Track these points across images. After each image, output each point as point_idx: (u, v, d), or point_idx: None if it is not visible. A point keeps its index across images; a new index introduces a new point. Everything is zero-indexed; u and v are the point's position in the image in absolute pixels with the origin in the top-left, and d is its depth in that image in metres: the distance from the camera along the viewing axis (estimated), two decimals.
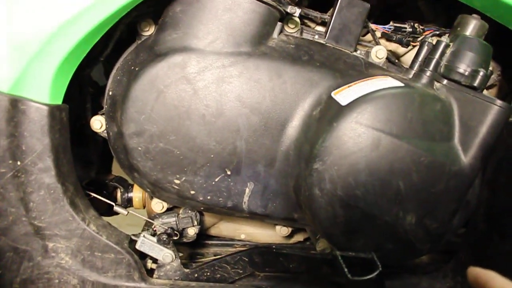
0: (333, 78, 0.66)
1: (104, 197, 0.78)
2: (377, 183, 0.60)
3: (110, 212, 0.85)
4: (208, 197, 0.68)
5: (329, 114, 0.62)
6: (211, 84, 0.63)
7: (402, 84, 0.62)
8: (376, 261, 0.55)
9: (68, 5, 0.57)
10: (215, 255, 0.89)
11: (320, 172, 0.60)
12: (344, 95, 0.63)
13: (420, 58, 0.68)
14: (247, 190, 0.68)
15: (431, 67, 0.64)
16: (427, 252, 0.66)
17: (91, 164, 0.89)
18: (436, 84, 0.64)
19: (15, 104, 0.59)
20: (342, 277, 0.55)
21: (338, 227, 0.62)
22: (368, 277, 0.55)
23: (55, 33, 0.58)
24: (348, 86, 0.64)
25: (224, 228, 0.90)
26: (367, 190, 0.60)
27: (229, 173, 0.67)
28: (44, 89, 0.61)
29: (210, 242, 0.93)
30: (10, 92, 0.59)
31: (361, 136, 0.59)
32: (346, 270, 0.55)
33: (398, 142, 0.59)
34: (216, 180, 0.67)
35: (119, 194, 0.84)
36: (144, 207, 0.85)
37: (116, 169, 1.06)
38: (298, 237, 0.92)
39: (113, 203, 0.77)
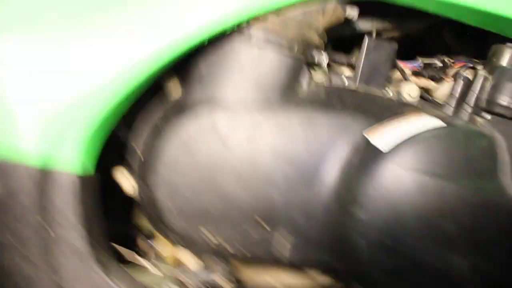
0: (368, 122, 0.64)
1: (132, 251, 0.76)
2: (425, 229, 0.57)
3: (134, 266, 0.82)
4: (248, 254, 0.65)
5: (369, 160, 0.59)
6: (243, 139, 0.62)
7: (444, 124, 0.59)
8: None
9: (96, 75, 0.57)
10: None
11: (364, 221, 0.57)
12: (381, 138, 0.60)
13: (457, 93, 0.66)
14: (287, 243, 0.65)
15: (471, 103, 0.62)
16: None
17: (115, 216, 0.88)
18: (479, 120, 0.62)
19: (47, 176, 0.59)
20: None
21: (386, 276, 0.59)
22: None
23: (83, 103, 0.58)
24: (383, 127, 0.62)
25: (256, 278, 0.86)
26: (415, 237, 0.56)
27: (267, 227, 0.64)
28: (75, 159, 0.61)
29: None
30: (41, 164, 0.58)
31: (405, 180, 0.56)
32: None
33: (445, 184, 0.56)
34: (255, 236, 0.64)
35: (146, 247, 0.82)
36: (174, 261, 0.83)
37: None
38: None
39: (147, 265, 0.74)
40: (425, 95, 0.74)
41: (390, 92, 0.71)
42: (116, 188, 0.77)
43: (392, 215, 0.57)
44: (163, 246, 0.81)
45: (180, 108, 0.65)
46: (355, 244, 0.58)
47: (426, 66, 0.76)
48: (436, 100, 0.75)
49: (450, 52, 0.81)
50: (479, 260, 0.59)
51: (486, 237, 0.57)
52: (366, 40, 0.68)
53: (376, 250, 0.57)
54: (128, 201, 0.86)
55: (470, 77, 0.65)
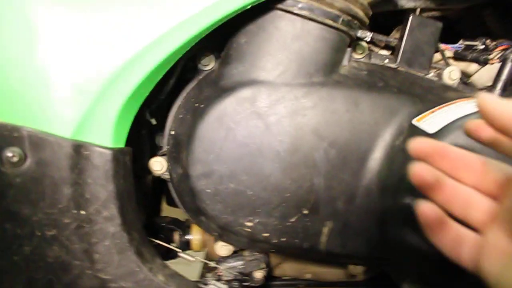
0: (413, 104, 0.61)
1: (161, 241, 0.74)
2: None
3: (165, 256, 0.80)
4: (283, 239, 0.63)
5: None
6: (284, 118, 0.59)
7: None
8: None
9: (131, 44, 0.54)
10: None
11: (412, 208, 0.55)
12: (429, 123, 0.58)
13: (504, 76, 0.63)
14: (325, 229, 0.62)
15: None
16: None
17: (141, 207, 0.85)
18: None
19: (78, 149, 0.56)
20: None
21: (431, 267, 0.56)
22: None
23: (118, 73, 0.55)
24: (431, 112, 0.59)
25: (289, 267, 0.84)
26: None
27: (306, 212, 0.61)
28: (107, 132, 0.58)
29: (273, 283, 0.87)
30: (73, 137, 0.55)
31: None
32: None
33: None
34: (292, 220, 0.62)
35: (177, 237, 0.80)
36: (203, 249, 0.80)
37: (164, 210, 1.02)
38: (367, 274, 0.86)
39: (178, 250, 0.72)
40: (464, 78, 0.71)
41: (430, 73, 0.68)
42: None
43: None
44: (193, 235, 0.79)
45: (217, 84, 0.62)
46: (399, 231, 0.56)
47: (468, 47, 0.73)
48: (475, 84, 0.72)
49: (490, 34, 0.79)
50: None
51: None
52: (410, 17, 0.65)
53: (421, 238, 0.55)
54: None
55: None
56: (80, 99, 0.55)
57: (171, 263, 0.71)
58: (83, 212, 0.57)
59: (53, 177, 0.55)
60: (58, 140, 0.54)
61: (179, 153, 0.63)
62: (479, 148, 0.54)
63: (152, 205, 0.91)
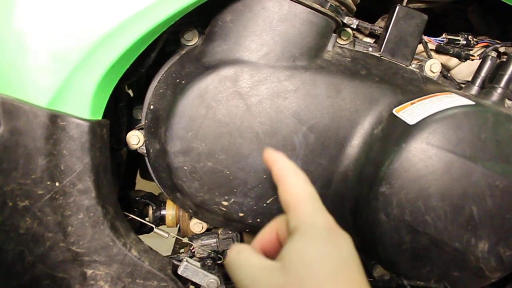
0: (394, 94, 0.62)
1: (135, 216, 0.73)
2: (449, 208, 0.56)
3: (139, 231, 0.80)
4: (258, 220, 0.63)
5: (394, 133, 0.58)
6: (266, 99, 0.59)
7: (473, 102, 0.58)
8: None
9: (114, 14, 0.53)
10: None
11: (387, 196, 0.56)
12: (409, 113, 0.58)
13: (483, 73, 0.64)
14: None
15: (502, 84, 0.60)
16: (496, 280, 0.62)
17: (115, 180, 0.84)
18: (508, 102, 0.60)
19: (54, 119, 0.54)
20: None
21: (403, 254, 0.58)
22: None
23: (99, 43, 0.53)
24: (412, 103, 0.60)
25: None
26: (438, 216, 0.56)
27: None
28: (85, 103, 0.56)
29: None
30: (49, 106, 0.54)
31: (432, 158, 0.55)
32: None
33: (472, 165, 0.55)
34: (268, 202, 0.62)
35: (150, 212, 0.79)
36: (177, 225, 0.80)
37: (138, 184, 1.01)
38: None
39: (152, 225, 0.72)
40: (445, 72, 0.72)
41: (412, 65, 0.69)
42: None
43: (416, 192, 0.55)
44: (167, 210, 0.78)
45: (200, 61, 0.61)
46: (375, 219, 0.57)
47: (450, 41, 0.74)
48: (454, 78, 0.74)
49: (472, 30, 0.80)
50: (500, 244, 0.58)
51: (509, 222, 0.57)
52: (397, 7, 0.65)
53: (395, 226, 0.56)
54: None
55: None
56: (58, 68, 0.53)
57: (144, 238, 0.71)
58: (57, 184, 0.56)
59: (27, 147, 0.54)
60: (33, 109, 0.53)
61: (158, 128, 0.62)
62: (454, 146, 0.55)
63: (126, 178, 0.90)
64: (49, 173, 0.55)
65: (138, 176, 1.01)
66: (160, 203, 0.80)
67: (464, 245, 0.57)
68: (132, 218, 0.70)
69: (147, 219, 0.80)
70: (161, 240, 0.85)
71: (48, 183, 0.56)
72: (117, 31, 0.53)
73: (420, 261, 0.58)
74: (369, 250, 0.62)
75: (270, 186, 0.61)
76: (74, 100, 0.55)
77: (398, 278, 0.60)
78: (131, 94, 0.86)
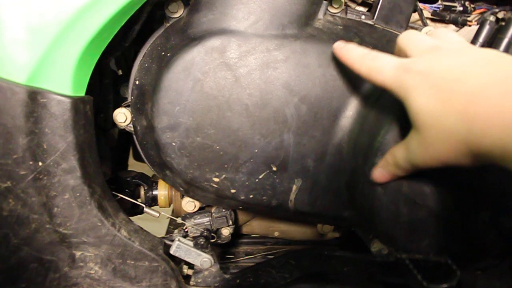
0: None
1: (127, 196, 0.71)
2: (445, 181, 0.54)
3: (131, 212, 0.78)
4: (251, 196, 0.62)
5: (389, 103, 0.55)
6: (255, 70, 0.56)
7: None
8: (453, 267, 0.50)
9: None
10: (246, 254, 0.83)
11: None
12: None
13: (481, 38, 0.62)
14: (294, 187, 0.61)
15: (501, 48, 0.58)
16: (496, 254, 0.60)
17: (107, 161, 0.82)
18: None
19: (34, 96, 0.52)
20: (413, 284, 0.50)
21: (401, 227, 0.56)
22: (447, 286, 0.49)
23: (78, 14, 0.50)
24: None
25: (257, 225, 0.84)
26: (437, 188, 0.54)
27: (274, 169, 0.60)
28: (66, 79, 0.54)
29: (240, 240, 0.87)
30: (28, 83, 0.51)
31: None
32: (419, 276, 0.49)
33: None
34: (260, 177, 0.60)
35: (142, 192, 0.77)
36: (169, 205, 0.79)
37: (131, 165, 0.99)
38: (334, 234, 0.86)
39: (143, 205, 0.70)
40: None
41: None
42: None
43: None
44: (159, 190, 0.77)
45: (185, 33, 0.59)
46: (369, 191, 0.55)
47: (446, 8, 0.71)
48: None
49: None
50: (500, 215, 0.56)
51: None
52: None
53: (392, 199, 0.54)
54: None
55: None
56: (36, 42, 0.50)
57: (137, 219, 0.70)
58: (40, 164, 0.54)
59: (5, 125, 0.51)
60: (11, 86, 0.50)
61: (144, 104, 0.60)
62: None
63: (118, 159, 0.88)
64: (31, 153, 0.53)
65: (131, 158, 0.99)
66: (152, 183, 0.78)
67: (465, 217, 0.55)
68: (123, 198, 0.68)
69: (139, 200, 0.78)
70: (156, 223, 0.84)
71: (31, 163, 0.54)
72: (96, 1, 0.50)
73: (419, 234, 0.56)
74: (366, 224, 0.60)
75: (262, 161, 0.59)
76: (54, 75, 0.53)
77: (396, 252, 0.58)
78: (120, 72, 0.83)
